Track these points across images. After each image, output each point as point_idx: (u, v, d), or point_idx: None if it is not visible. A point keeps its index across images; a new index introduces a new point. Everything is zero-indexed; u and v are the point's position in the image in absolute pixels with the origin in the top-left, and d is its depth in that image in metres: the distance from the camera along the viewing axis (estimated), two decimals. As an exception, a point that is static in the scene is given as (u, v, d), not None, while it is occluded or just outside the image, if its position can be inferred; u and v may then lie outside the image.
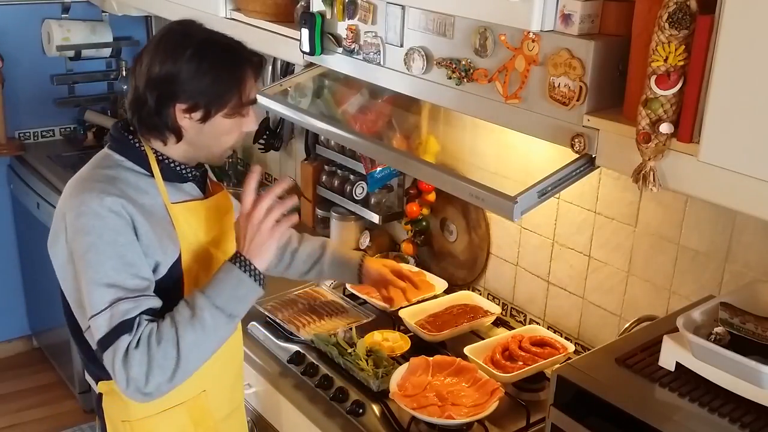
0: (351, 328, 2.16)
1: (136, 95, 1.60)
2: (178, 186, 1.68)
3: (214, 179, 1.83)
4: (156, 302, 1.56)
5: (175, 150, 1.65)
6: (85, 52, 3.76)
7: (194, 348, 1.53)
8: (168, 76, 1.56)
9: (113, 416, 1.72)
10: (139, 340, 1.50)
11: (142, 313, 1.52)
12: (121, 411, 1.70)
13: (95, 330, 1.53)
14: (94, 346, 1.58)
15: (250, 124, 1.67)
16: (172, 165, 1.66)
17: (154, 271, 1.59)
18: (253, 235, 1.60)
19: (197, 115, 1.59)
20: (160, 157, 1.65)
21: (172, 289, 1.62)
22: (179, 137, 1.62)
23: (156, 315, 1.55)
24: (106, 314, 1.50)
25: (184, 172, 1.68)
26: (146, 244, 1.56)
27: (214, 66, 1.57)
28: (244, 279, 1.58)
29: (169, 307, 1.59)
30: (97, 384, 1.73)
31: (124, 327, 1.50)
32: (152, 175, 1.63)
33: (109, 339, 1.50)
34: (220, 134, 1.64)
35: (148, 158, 1.63)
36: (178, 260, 1.63)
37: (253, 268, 1.59)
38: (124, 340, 1.49)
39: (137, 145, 1.64)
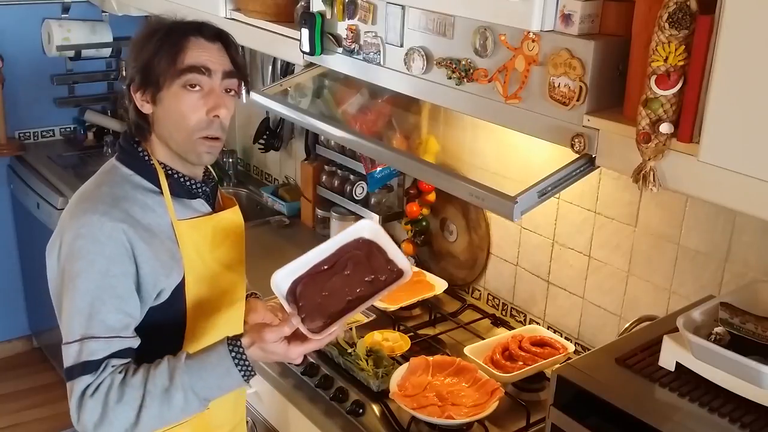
0: (351, 328, 2.16)
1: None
2: (187, 202, 1.62)
3: (227, 195, 1.78)
4: (130, 343, 1.51)
5: (160, 150, 1.60)
6: (85, 52, 3.76)
7: (154, 420, 1.49)
8: (127, 61, 1.62)
9: None
10: (96, 389, 1.46)
11: (111, 355, 1.49)
12: None
13: (65, 356, 1.51)
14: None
15: (218, 108, 1.55)
16: (182, 180, 1.62)
17: (158, 296, 1.56)
18: (272, 345, 1.46)
19: (147, 95, 1.55)
20: (169, 171, 1.60)
21: (175, 311, 1.59)
22: (150, 126, 1.59)
23: (127, 356, 1.51)
24: (75, 346, 1.49)
25: (193, 187, 1.63)
26: (147, 271, 1.52)
27: (156, 41, 1.54)
28: (233, 372, 1.47)
29: (171, 328, 1.58)
30: None
31: (87, 367, 1.47)
32: (161, 192, 1.58)
33: (72, 372, 1.49)
34: (177, 116, 1.54)
35: (158, 173, 1.59)
36: (182, 282, 1.58)
37: (246, 363, 1.47)
38: (84, 381, 1.47)
39: (146, 158, 1.60)
